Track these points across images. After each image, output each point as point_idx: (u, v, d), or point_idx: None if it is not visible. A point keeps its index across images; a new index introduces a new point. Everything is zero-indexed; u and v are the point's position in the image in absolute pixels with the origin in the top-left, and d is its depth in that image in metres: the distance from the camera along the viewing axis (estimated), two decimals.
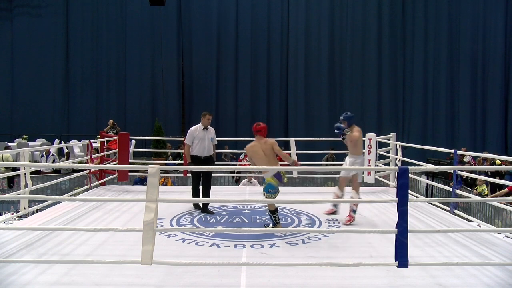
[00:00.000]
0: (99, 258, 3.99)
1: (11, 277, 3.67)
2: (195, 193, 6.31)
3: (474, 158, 11.74)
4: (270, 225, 5.30)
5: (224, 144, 12.80)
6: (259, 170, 5.16)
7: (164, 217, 5.75)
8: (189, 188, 9.00)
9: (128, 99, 17.80)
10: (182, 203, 6.47)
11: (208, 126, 6.35)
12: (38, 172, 11.48)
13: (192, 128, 6.33)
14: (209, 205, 6.29)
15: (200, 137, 6.23)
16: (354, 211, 5.65)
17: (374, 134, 8.02)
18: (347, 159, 6.08)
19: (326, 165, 11.51)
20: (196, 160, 6.23)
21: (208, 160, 6.27)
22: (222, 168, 11.01)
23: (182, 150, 10.24)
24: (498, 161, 9.62)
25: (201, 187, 6.34)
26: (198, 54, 17.74)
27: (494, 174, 9.61)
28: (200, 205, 6.30)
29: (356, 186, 5.77)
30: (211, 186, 6.38)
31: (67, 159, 12.80)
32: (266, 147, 5.21)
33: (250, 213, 6.19)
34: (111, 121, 13.55)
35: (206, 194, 6.26)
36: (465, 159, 11.71)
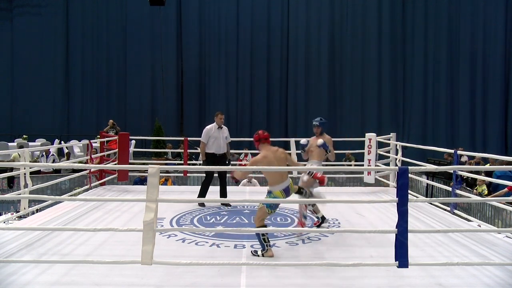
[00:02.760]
0: (99, 258, 3.99)
1: (11, 277, 3.67)
2: (204, 191, 6.62)
3: (471, 158, 11.72)
4: (259, 251, 4.31)
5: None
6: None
7: (164, 217, 5.75)
8: (189, 188, 9.05)
9: (128, 99, 17.81)
10: (182, 203, 6.47)
11: (222, 125, 6.68)
12: (38, 172, 11.47)
13: (208, 127, 6.65)
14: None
15: (216, 136, 6.59)
16: (305, 217, 5.24)
17: (374, 134, 8.03)
18: (308, 165, 5.56)
19: (326, 165, 11.49)
20: (212, 157, 6.60)
21: (223, 157, 6.73)
22: (222, 168, 11.00)
23: (182, 150, 10.25)
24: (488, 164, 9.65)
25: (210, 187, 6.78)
26: (197, 54, 17.75)
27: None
28: (205, 203, 6.62)
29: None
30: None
31: (68, 159, 12.78)
32: (279, 156, 4.50)
33: (250, 213, 6.18)
34: (111, 121, 13.55)
35: (224, 191, 6.77)
36: (462, 159, 11.68)
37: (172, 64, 17.63)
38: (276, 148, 4.58)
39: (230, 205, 6.54)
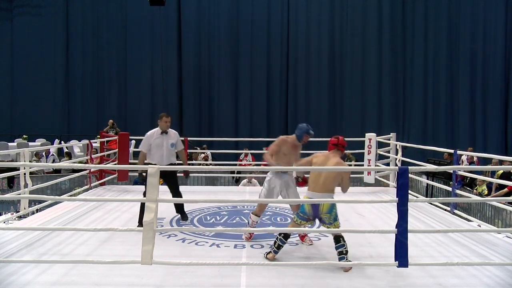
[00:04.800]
0: (99, 258, 4.00)
1: (11, 277, 3.68)
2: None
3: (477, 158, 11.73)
4: (344, 260, 3.92)
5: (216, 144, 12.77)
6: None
7: (164, 217, 5.75)
8: (189, 188, 8.89)
9: (128, 99, 17.80)
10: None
11: (168, 130, 5.47)
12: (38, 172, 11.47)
13: (149, 132, 5.49)
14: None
15: (157, 143, 5.39)
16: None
17: (374, 134, 8.03)
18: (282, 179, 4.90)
19: None
20: None
21: (168, 171, 5.22)
22: (222, 168, 11.01)
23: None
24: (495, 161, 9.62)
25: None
26: (197, 54, 17.72)
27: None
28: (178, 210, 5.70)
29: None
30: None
31: (70, 158, 12.79)
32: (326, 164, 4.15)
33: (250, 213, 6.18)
34: (111, 121, 13.56)
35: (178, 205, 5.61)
36: (473, 159, 11.63)
37: (172, 64, 17.60)
38: (340, 161, 4.16)
39: (187, 218, 5.68)
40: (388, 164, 8.13)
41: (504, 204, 6.30)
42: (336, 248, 3.99)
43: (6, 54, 17.76)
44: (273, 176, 4.81)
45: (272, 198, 4.77)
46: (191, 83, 17.75)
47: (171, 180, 5.52)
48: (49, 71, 17.64)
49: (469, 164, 11.13)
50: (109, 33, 17.85)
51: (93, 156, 8.20)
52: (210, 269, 3.86)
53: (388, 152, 8.19)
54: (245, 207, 6.56)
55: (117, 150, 8.08)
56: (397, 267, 3.50)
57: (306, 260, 4.19)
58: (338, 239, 3.99)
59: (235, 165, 11.49)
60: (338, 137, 4.30)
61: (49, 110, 17.59)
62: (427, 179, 9.93)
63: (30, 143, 14.08)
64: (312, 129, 4.92)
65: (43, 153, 13.06)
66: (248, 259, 4.22)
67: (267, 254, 4.25)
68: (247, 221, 5.05)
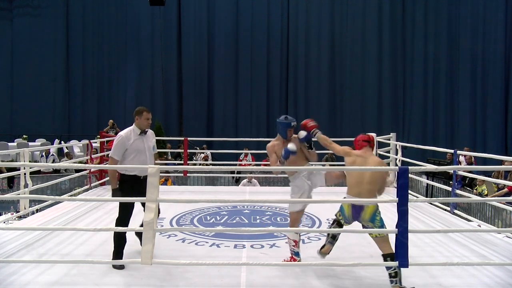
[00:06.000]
0: (99, 258, 4.00)
1: (11, 277, 3.68)
2: (119, 243, 4.00)
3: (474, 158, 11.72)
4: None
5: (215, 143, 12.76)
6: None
7: (164, 217, 5.75)
8: (189, 188, 8.86)
9: (128, 99, 17.80)
10: (182, 203, 6.47)
11: (147, 130, 4.22)
12: (38, 172, 11.46)
13: (123, 134, 4.10)
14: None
15: (137, 147, 4.09)
16: (297, 253, 4.13)
17: (374, 134, 8.01)
18: (305, 180, 4.37)
19: (323, 165, 11.50)
20: (132, 181, 4.04)
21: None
22: (222, 168, 11.00)
23: (182, 150, 10.22)
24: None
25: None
26: (197, 54, 17.73)
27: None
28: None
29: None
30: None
31: (70, 158, 12.78)
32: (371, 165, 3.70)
33: (250, 213, 6.19)
34: (111, 121, 13.55)
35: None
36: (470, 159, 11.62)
37: (172, 64, 17.61)
38: (377, 158, 3.90)
39: None
40: (388, 164, 8.12)
41: (504, 204, 6.30)
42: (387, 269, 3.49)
43: (6, 54, 17.76)
44: (297, 181, 4.25)
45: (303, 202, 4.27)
46: (191, 83, 17.75)
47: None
48: (49, 71, 17.64)
49: (468, 165, 11.11)
50: (109, 33, 17.86)
51: (93, 156, 8.20)
52: (210, 269, 3.86)
53: (388, 152, 8.19)
54: (245, 207, 6.57)
55: None
56: (397, 267, 3.50)
57: (306, 260, 4.19)
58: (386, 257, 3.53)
59: (235, 165, 11.48)
60: (368, 134, 3.97)
61: (49, 110, 17.59)
62: (427, 179, 9.92)
63: (30, 143, 14.07)
64: (290, 116, 4.45)
65: (43, 153, 13.05)
66: (248, 259, 4.22)
67: (321, 248, 3.85)
68: (289, 242, 4.18)
